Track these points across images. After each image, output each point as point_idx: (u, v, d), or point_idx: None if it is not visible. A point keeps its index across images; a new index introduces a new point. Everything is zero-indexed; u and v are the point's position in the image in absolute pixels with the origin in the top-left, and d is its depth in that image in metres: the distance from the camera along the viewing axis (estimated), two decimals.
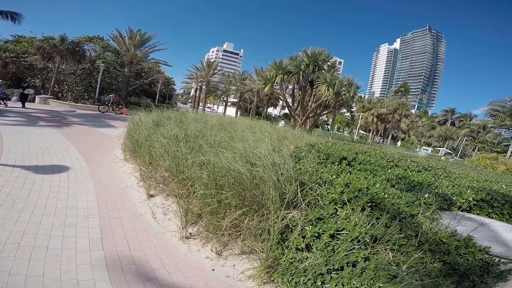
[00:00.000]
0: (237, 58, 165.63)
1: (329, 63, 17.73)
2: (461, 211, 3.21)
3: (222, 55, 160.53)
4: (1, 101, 14.56)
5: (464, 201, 3.33)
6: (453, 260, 2.05)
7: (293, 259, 2.46)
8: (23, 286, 2.18)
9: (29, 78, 23.13)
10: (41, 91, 22.38)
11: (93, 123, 12.17)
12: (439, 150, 44.40)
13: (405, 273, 2.01)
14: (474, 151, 50.06)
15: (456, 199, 3.34)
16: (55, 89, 22.15)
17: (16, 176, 4.44)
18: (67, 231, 3.11)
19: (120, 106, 20.02)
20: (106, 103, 19.33)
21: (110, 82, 25.45)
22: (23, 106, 15.03)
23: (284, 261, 2.50)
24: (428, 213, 2.77)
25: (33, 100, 18.29)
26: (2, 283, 2.18)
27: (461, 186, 3.81)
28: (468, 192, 3.45)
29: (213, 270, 2.82)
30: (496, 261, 2.10)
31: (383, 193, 2.93)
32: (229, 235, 3.12)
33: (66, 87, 23.26)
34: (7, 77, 24.40)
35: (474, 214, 3.26)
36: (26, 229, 2.99)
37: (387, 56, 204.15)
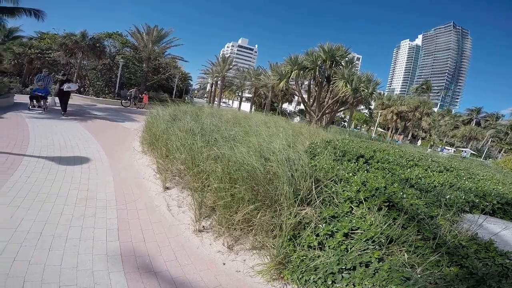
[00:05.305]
0: (252, 54, 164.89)
1: (347, 58, 17.29)
2: (484, 214, 3.06)
3: (237, 50, 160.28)
4: (41, 102, 10.55)
5: (487, 203, 3.18)
6: (471, 264, 1.96)
7: (305, 257, 2.44)
8: (40, 275, 2.24)
9: (53, 73, 24.13)
10: None
11: (114, 117, 12.53)
12: (462, 151, 42.53)
13: (419, 276, 1.94)
14: (500, 152, 47.45)
15: (479, 201, 3.18)
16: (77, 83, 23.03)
17: (40, 167, 4.65)
18: (86, 221, 3.22)
19: (141, 96, 20.36)
20: (128, 97, 19.75)
21: (129, 77, 26.14)
22: (64, 110, 10.76)
23: (295, 258, 2.48)
24: (448, 215, 2.66)
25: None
26: (22, 272, 2.24)
27: (485, 188, 3.63)
28: (493, 194, 3.29)
29: (224, 264, 2.85)
30: None
31: (401, 193, 2.84)
32: (241, 229, 3.14)
33: (87, 82, 24.14)
34: (33, 72, 25.62)
35: (497, 217, 3.10)
36: (48, 219, 3.11)
37: (408, 52, 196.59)
